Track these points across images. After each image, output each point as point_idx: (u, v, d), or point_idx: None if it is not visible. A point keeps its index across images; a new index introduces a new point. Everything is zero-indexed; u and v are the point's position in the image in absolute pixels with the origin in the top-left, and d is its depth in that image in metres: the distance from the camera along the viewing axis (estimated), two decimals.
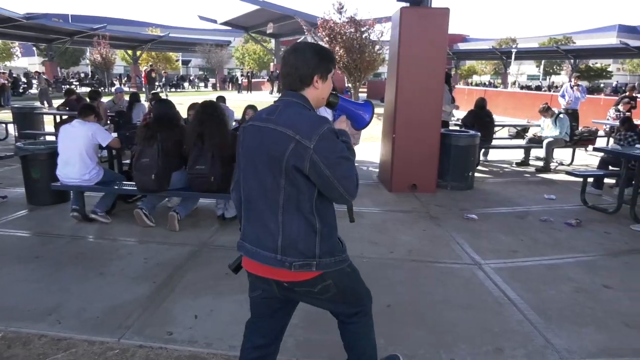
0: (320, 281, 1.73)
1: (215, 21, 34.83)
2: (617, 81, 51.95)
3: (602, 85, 50.63)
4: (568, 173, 5.92)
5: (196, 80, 47.56)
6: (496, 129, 8.81)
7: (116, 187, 4.81)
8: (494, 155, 9.05)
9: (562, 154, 8.84)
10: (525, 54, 49.82)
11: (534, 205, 5.78)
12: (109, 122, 8.36)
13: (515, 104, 18.09)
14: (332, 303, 1.88)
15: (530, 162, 8.48)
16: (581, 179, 5.74)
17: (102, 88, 29.81)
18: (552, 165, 8.17)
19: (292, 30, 28.45)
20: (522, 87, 47.11)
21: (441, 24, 5.86)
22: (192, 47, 42.72)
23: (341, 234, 1.86)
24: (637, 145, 5.58)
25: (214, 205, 5.16)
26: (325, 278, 1.74)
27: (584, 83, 46.58)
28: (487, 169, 8.14)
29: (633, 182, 5.18)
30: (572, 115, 10.74)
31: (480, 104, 8.04)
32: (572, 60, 44.41)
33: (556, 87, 42.72)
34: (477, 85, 54.44)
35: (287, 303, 1.92)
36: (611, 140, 9.11)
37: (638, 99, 13.52)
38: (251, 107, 5.54)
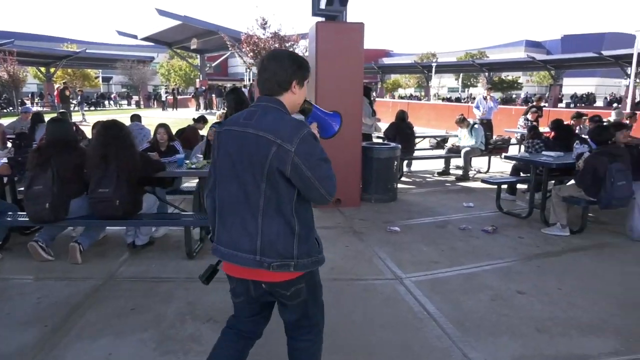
0: (295, 284, 1.80)
1: (135, 36, 33.44)
2: (527, 92, 56.19)
3: (514, 96, 54.56)
4: (483, 181, 6.15)
5: (117, 97, 45.39)
6: (417, 140, 9.04)
7: (9, 218, 4.30)
8: (417, 165, 9.28)
9: (479, 162, 9.25)
10: (444, 68, 52.64)
11: (454, 213, 5.92)
12: (9, 144, 7.61)
13: (437, 115, 18.88)
14: (297, 311, 1.91)
15: (451, 171, 8.78)
16: (495, 186, 5.98)
17: (11, 108, 27.54)
18: (471, 173, 8.50)
19: (217, 45, 27.99)
20: (443, 99, 49.68)
21: (357, 38, 5.89)
22: (113, 63, 40.73)
23: None
24: (543, 152, 5.90)
25: (124, 233, 4.77)
26: (300, 281, 1.81)
27: (498, 94, 50.09)
28: (410, 180, 8.31)
29: (542, 187, 5.45)
30: (487, 125, 11.30)
31: (401, 117, 8.21)
32: (486, 73, 47.48)
33: (473, 98, 45.46)
34: (401, 98, 56.60)
35: (266, 306, 2.00)
36: (522, 147, 9.67)
37: (544, 108, 14.71)
38: (162, 126, 5.22)
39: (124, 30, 66.75)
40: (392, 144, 6.69)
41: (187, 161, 4.75)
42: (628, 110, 25.17)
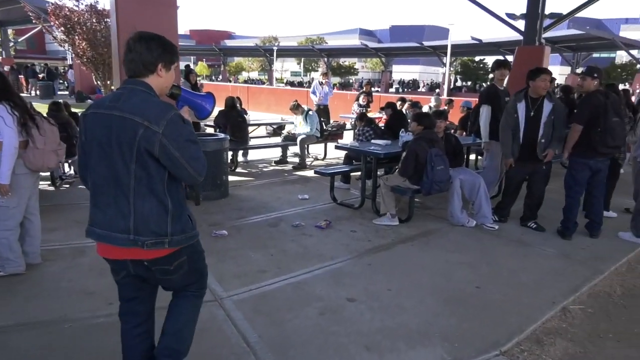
0: (177, 257, 1.87)
1: None
2: (363, 77, 60.09)
3: (351, 80, 57.78)
4: (316, 172, 5.88)
5: None
6: (252, 128, 8.53)
7: None
8: (253, 155, 8.79)
9: (317, 149, 9.14)
10: (286, 52, 53.29)
11: (289, 208, 5.55)
12: None
13: (277, 100, 18.68)
14: (183, 280, 2.01)
15: (289, 160, 8.48)
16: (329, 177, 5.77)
17: None
18: (308, 161, 8.31)
19: (22, 17, 23.67)
20: (287, 83, 50.28)
21: (169, 14, 5.07)
22: None
23: None
24: (372, 141, 5.86)
25: None
26: (182, 254, 1.88)
27: (336, 79, 52.51)
28: (246, 171, 7.77)
29: (372, 177, 5.37)
30: (324, 110, 11.33)
31: (231, 103, 7.57)
32: (325, 58, 49.33)
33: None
34: (245, 82, 55.83)
35: (148, 283, 2.03)
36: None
37: (376, 93, 15.43)
38: None
39: None
40: (221, 135, 6.04)
41: None
42: (445, 95, 28.37)
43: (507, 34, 23.69)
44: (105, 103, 1.78)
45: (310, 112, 8.30)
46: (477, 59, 47.60)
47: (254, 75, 66.81)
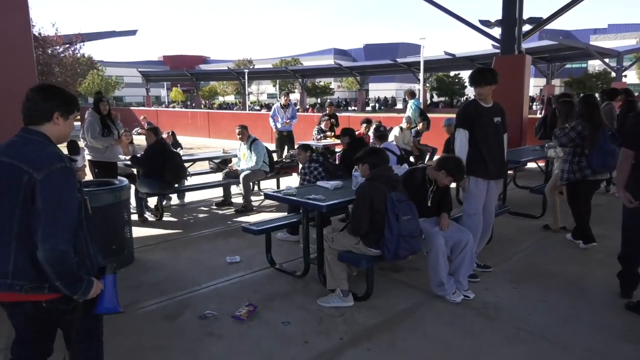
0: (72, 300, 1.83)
1: None
2: (338, 97, 59.31)
3: (328, 100, 56.66)
4: (245, 229, 4.32)
5: None
6: (188, 164, 7.01)
7: None
8: (194, 195, 7.28)
9: (271, 184, 7.67)
10: (259, 74, 52.30)
11: (206, 281, 4.04)
12: None
13: (248, 126, 17.21)
14: (77, 324, 1.93)
15: (234, 200, 7.00)
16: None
17: None
18: (256, 202, 6.83)
19: None
20: (262, 106, 49.01)
21: (20, 18, 3.60)
22: None
23: None
24: (319, 182, 4.41)
25: None
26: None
27: (311, 100, 51.41)
28: (176, 219, 6.25)
29: (316, 233, 3.89)
30: (288, 138, 9.91)
31: (154, 133, 6.02)
32: (300, 80, 48.39)
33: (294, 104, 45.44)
34: (220, 106, 54.32)
35: (47, 324, 2.02)
36: None
37: (348, 114, 14.06)
38: None
39: None
40: (117, 183, 4.51)
41: None
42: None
43: (481, 47, 22.91)
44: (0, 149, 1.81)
45: (257, 141, 6.83)
46: (452, 74, 47.13)
47: (230, 99, 65.39)
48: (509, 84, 8.49)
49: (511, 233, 5.30)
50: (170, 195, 6.70)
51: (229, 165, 7.11)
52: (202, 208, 6.87)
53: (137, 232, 5.52)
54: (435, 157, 3.89)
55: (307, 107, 45.36)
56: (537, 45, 29.55)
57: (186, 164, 7.01)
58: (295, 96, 56.97)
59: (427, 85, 45.20)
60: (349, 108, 49.23)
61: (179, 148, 7.03)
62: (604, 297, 3.60)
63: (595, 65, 47.72)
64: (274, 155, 7.50)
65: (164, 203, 6.80)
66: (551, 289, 3.75)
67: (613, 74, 33.97)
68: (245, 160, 6.76)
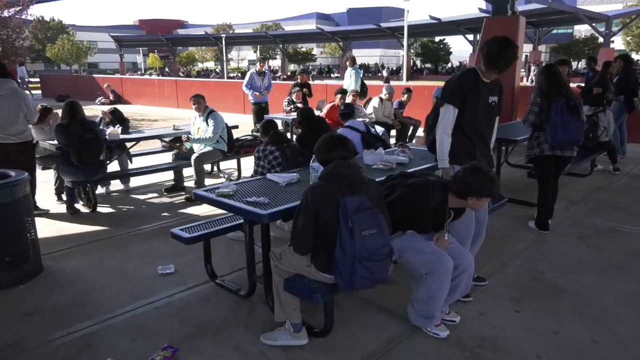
0: None
1: None
2: (321, 63, 57.48)
3: (310, 67, 54.85)
4: (173, 235, 3.40)
5: None
6: (130, 143, 5.97)
7: None
8: (141, 179, 6.29)
9: (232, 165, 6.69)
10: (237, 40, 50.15)
11: (126, 304, 3.13)
12: None
13: (211, 96, 15.91)
14: None
15: (187, 184, 6.04)
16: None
17: None
18: (213, 185, 5.87)
19: None
20: (242, 73, 47.03)
21: None
22: None
23: None
24: (268, 175, 3.46)
25: None
26: None
27: (293, 66, 49.50)
28: (113, 210, 5.28)
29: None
30: (264, 109, 8.88)
31: (69, 111, 4.86)
32: (281, 46, 46.48)
33: (272, 71, 43.67)
34: (198, 73, 52.09)
35: None
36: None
37: (330, 82, 12.90)
38: None
39: None
40: (13, 176, 3.50)
41: None
42: (405, 80, 26.08)
43: (468, 10, 21.71)
44: None
45: (214, 113, 5.77)
46: (437, 39, 45.74)
47: (210, 65, 62.86)
48: None
49: (506, 226, 4.49)
50: (104, 182, 5.69)
51: (177, 144, 6.08)
52: (150, 194, 5.89)
53: (58, 229, 4.60)
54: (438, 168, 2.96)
55: (289, 74, 43.64)
56: (526, 8, 28.31)
57: (128, 144, 6.00)
58: (276, 62, 54.99)
59: (412, 51, 43.85)
60: (332, 75, 47.68)
61: (125, 123, 5.97)
62: (635, 324, 2.80)
63: (581, 30, 46.71)
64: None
65: (103, 190, 5.84)
66: (564, 313, 2.94)
67: (600, 40, 33.05)
68: (199, 134, 5.73)
